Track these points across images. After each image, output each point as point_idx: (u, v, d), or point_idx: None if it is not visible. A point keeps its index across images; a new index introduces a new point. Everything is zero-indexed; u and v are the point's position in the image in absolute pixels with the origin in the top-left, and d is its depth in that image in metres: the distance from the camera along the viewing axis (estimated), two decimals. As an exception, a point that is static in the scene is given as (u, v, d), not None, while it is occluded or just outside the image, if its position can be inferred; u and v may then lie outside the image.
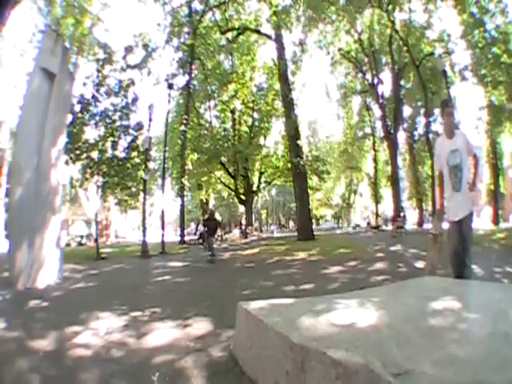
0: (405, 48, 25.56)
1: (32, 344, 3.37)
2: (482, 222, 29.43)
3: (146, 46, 23.69)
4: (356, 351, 1.84)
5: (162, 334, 3.66)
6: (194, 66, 26.04)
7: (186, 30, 25.49)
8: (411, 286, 3.71)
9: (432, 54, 25.37)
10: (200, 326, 3.86)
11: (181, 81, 25.94)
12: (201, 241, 20.02)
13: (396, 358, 1.69)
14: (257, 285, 6.55)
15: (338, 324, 2.34)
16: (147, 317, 4.40)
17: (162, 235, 18.22)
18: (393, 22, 25.55)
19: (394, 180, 29.61)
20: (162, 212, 20.67)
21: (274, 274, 8.09)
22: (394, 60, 29.06)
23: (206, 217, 12.90)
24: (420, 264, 8.37)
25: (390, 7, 24.81)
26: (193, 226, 25.05)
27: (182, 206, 25.79)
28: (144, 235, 16.32)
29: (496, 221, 29.10)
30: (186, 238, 24.82)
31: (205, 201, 36.39)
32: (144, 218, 18.18)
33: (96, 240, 16.37)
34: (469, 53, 22.33)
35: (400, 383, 1.49)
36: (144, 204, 18.07)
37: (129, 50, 19.71)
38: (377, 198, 37.79)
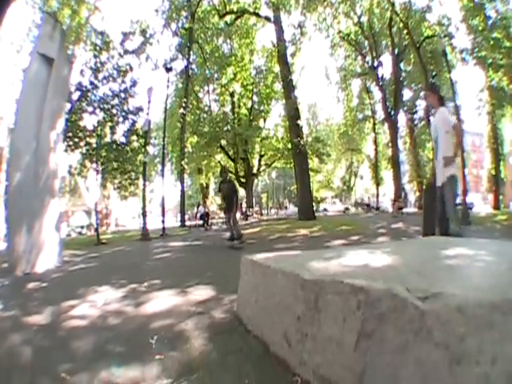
0: (405, 31, 25.51)
1: (27, 319, 3.32)
2: (483, 207, 29.55)
3: (143, 32, 23.74)
4: (376, 281, 1.79)
5: (161, 301, 3.63)
6: (192, 50, 26.12)
7: (184, 14, 25.47)
8: (419, 241, 4.09)
9: (433, 36, 25.26)
10: (202, 293, 3.84)
11: (179, 65, 26.13)
12: (201, 222, 20.08)
13: (420, 285, 1.67)
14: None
15: (351, 265, 2.35)
16: (146, 288, 4.36)
17: (163, 218, 18.37)
18: (393, 5, 25.45)
19: (395, 162, 29.66)
20: (163, 197, 20.66)
21: (276, 247, 8.13)
22: (394, 43, 28.96)
23: (220, 180, 10.13)
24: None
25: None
26: (195, 210, 25.14)
27: (182, 188, 25.92)
28: (144, 219, 16.49)
29: (497, 206, 29.24)
30: (187, 223, 24.87)
31: (205, 185, 36.59)
32: (144, 202, 18.17)
33: (96, 228, 16.48)
34: (469, 37, 22.24)
35: (429, 306, 1.49)
36: (144, 188, 18.09)
37: (126, 35, 19.59)
38: (377, 180, 37.75)
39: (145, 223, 16.14)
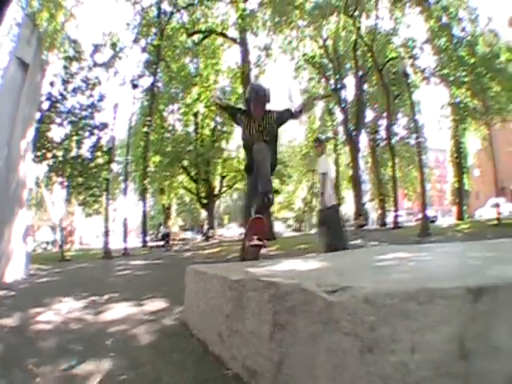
0: (369, 54, 26.15)
1: (-3, 322, 3.63)
2: (447, 219, 30.42)
3: (114, 45, 23.81)
4: (292, 279, 2.00)
5: (119, 311, 4.04)
6: (159, 68, 26.21)
7: (153, 30, 25.60)
8: (363, 250, 4.59)
9: (396, 58, 25.95)
10: (156, 304, 4.25)
11: (146, 82, 26.23)
12: (162, 243, 20.30)
13: (332, 281, 1.81)
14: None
15: (279, 269, 2.66)
16: (106, 300, 4.76)
17: (125, 237, 18.57)
18: (358, 29, 26.14)
19: (356, 182, 30.24)
20: (125, 216, 20.64)
21: None
22: (358, 65, 29.60)
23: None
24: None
25: (357, 13, 25.50)
26: (162, 229, 25.11)
27: (144, 208, 26.09)
28: (106, 237, 16.80)
29: (460, 217, 30.38)
30: (149, 244, 25.02)
31: (167, 206, 36.30)
32: (107, 221, 18.21)
33: (61, 245, 16.91)
34: (434, 57, 23.00)
35: (337, 298, 1.62)
36: (107, 206, 18.21)
37: (97, 47, 19.73)
38: (338, 200, 38.32)
39: (107, 242, 16.42)
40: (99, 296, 4.97)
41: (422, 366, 1.34)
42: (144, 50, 25.63)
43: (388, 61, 26.87)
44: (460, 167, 32.28)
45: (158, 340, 2.88)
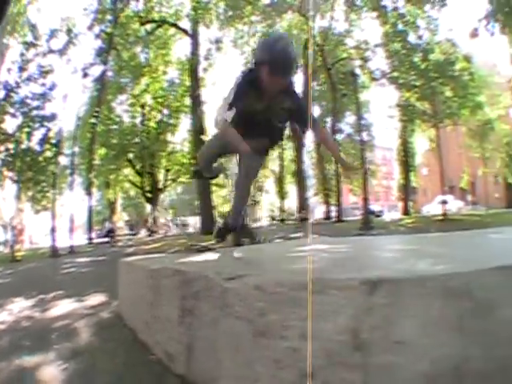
0: (319, 53, 26.50)
1: None
2: (393, 214, 31.58)
3: (69, 31, 22.92)
4: (200, 268, 2.30)
5: (63, 307, 4.29)
6: (110, 57, 25.68)
7: (108, 17, 24.96)
8: (294, 241, 4.78)
9: (346, 58, 26.68)
10: (96, 299, 4.58)
11: (97, 71, 25.58)
12: (107, 239, 20.15)
13: (232, 270, 1.97)
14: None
15: (199, 261, 2.86)
16: (52, 297, 5.02)
17: (71, 233, 18.83)
18: (311, 28, 26.51)
19: (299, 176, 30.78)
20: (71, 212, 20.76)
21: None
22: (308, 63, 30.00)
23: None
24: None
25: (311, 13, 25.84)
26: (107, 225, 24.78)
27: (90, 203, 25.49)
28: (53, 235, 16.79)
29: (406, 212, 31.94)
30: (95, 240, 24.81)
31: (112, 200, 36.09)
32: (54, 217, 18.18)
33: (12, 245, 16.81)
34: (386, 61, 23.51)
35: (231, 284, 1.77)
36: (54, 202, 18.15)
37: (54, 33, 19.26)
38: (282, 194, 39.58)
39: (54, 240, 16.40)
40: (46, 294, 5.22)
41: (316, 353, 1.42)
42: (98, 37, 24.92)
43: (338, 61, 27.37)
44: (406, 165, 33.67)
45: (95, 332, 3.17)
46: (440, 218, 18.76)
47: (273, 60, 2.69)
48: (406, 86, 20.33)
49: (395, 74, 21.91)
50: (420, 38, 19.69)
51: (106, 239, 22.18)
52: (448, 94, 19.21)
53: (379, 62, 46.88)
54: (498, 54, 27.66)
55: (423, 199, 50.28)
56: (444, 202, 19.62)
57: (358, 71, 26.25)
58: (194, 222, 32.71)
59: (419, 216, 27.94)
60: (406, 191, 34.03)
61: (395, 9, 20.34)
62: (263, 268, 2.17)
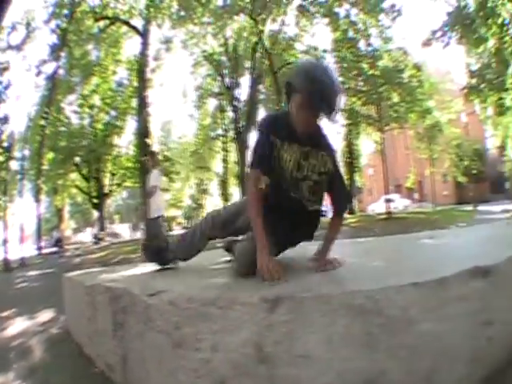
0: (267, 56, 26.62)
1: None
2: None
3: (28, 25, 22.61)
4: (128, 283, 2.41)
5: (18, 326, 4.41)
6: (63, 53, 24.69)
7: (65, 11, 23.70)
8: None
9: (292, 63, 26.66)
10: (46, 315, 4.70)
11: (50, 69, 24.51)
12: (56, 249, 19.63)
13: (154, 285, 2.16)
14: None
15: (130, 275, 3.01)
16: (7, 316, 5.10)
17: (21, 245, 18.33)
18: (261, 32, 26.49)
19: (242, 179, 30.25)
20: (21, 221, 20.17)
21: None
22: (255, 66, 30.06)
23: None
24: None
25: (262, 17, 25.98)
26: (54, 234, 23.88)
27: (38, 211, 24.42)
28: (5, 249, 16.30)
29: (351, 211, 31.96)
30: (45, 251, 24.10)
31: (60, 207, 34.80)
32: (6, 228, 17.59)
33: None
34: (334, 66, 23.91)
35: (152, 300, 1.93)
36: (5, 210, 17.60)
37: (14, 27, 18.74)
38: (226, 197, 39.41)
39: (6, 252, 15.98)
40: (1, 313, 5.30)
41: (224, 364, 1.60)
42: (53, 32, 23.81)
43: (285, 65, 27.41)
44: (351, 166, 34.45)
45: (47, 348, 3.33)
46: (384, 216, 19.41)
47: (314, 91, 1.97)
48: (353, 92, 20.68)
49: (341, 79, 22.35)
50: (370, 45, 19.94)
51: (55, 249, 21.50)
52: (395, 99, 19.71)
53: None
54: (453, 62, 28.97)
55: (369, 198, 52.39)
56: (389, 201, 20.38)
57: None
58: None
59: (364, 215, 28.68)
60: (351, 191, 34.76)
61: (347, 16, 20.57)
62: (184, 282, 2.30)
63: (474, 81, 17.69)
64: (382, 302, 1.56)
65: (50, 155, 27.16)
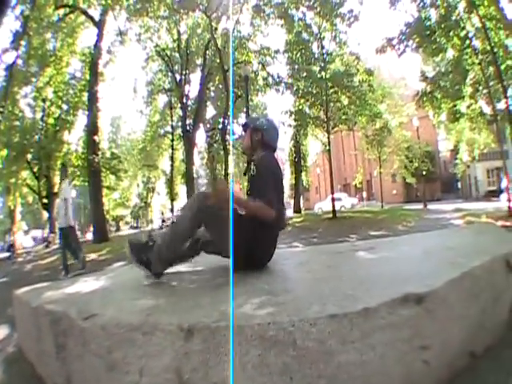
0: (218, 54, 26.69)
1: None
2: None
3: None
4: (67, 304, 2.39)
5: None
6: (23, 42, 23.50)
7: None
8: None
9: (243, 62, 26.81)
10: (2, 332, 4.35)
11: (11, 58, 23.27)
12: (8, 255, 19.02)
13: (92, 307, 2.19)
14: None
15: (72, 292, 2.96)
16: None
17: None
18: (215, 29, 26.74)
19: (189, 177, 30.84)
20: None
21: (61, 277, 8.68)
22: (206, 63, 30.27)
23: None
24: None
25: (216, 15, 26.08)
26: (8, 238, 22.79)
27: None
28: None
29: (297, 210, 33.48)
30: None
31: (12, 208, 33.90)
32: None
33: None
34: (285, 67, 24.14)
35: (87, 324, 1.97)
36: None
37: None
38: (172, 196, 39.31)
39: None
40: None
41: None
42: (17, 18, 22.51)
43: (237, 63, 27.52)
44: (299, 166, 35.33)
45: (4, 368, 3.15)
46: (329, 216, 19.81)
47: (275, 137, 3.35)
48: (301, 93, 20.92)
49: (290, 80, 22.57)
50: (322, 48, 20.03)
51: (8, 254, 20.70)
52: (345, 102, 20.03)
53: (278, 68, 48.26)
54: (408, 68, 29.78)
55: (316, 197, 53.20)
56: (334, 200, 20.68)
57: (254, 75, 27.18)
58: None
59: (310, 214, 29.07)
60: (297, 190, 35.84)
61: (302, 19, 20.60)
62: (116, 303, 2.33)
63: (428, 88, 18.21)
64: (296, 333, 1.62)
65: (4, 152, 26.40)
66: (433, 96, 18.13)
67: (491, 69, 15.70)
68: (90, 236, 31.12)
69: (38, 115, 29.96)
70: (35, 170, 29.63)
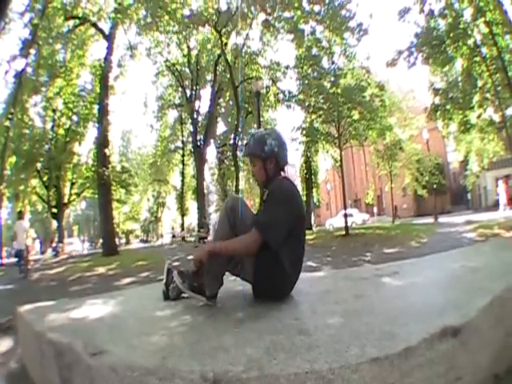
0: (228, 70, 26.84)
1: None
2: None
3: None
4: (73, 334, 2.23)
5: None
6: (32, 51, 24.11)
7: (38, 6, 23.21)
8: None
9: (252, 78, 26.87)
10: (5, 344, 4.19)
11: (20, 66, 23.88)
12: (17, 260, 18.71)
13: (98, 341, 2.05)
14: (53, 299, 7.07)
15: (73, 317, 2.82)
16: None
17: None
18: (225, 45, 26.79)
19: (200, 193, 31.21)
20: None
21: (71, 290, 8.91)
22: (217, 79, 30.51)
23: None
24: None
25: (226, 30, 26.13)
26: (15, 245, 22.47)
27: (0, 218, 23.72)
28: None
29: (308, 226, 32.70)
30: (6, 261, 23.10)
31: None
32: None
33: None
34: (296, 83, 24.20)
35: (94, 361, 1.80)
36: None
37: None
38: (183, 211, 40.05)
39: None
40: None
41: None
42: (26, 26, 23.21)
43: (247, 79, 27.88)
44: (310, 182, 35.12)
45: None
46: (342, 233, 19.60)
47: (284, 154, 3.01)
48: (312, 109, 20.84)
49: (301, 96, 22.54)
50: (333, 63, 20.00)
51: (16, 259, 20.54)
52: (356, 117, 19.80)
53: (288, 83, 48.69)
54: (416, 80, 29.69)
55: (326, 213, 52.96)
56: (346, 216, 20.51)
57: (265, 91, 27.23)
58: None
59: (321, 230, 28.80)
60: (309, 206, 35.30)
61: (312, 33, 20.69)
62: (125, 339, 2.15)
63: (438, 100, 18.13)
64: (336, 382, 1.47)
65: (13, 159, 26.58)
66: (444, 109, 18.02)
67: (499, 75, 15.66)
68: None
69: (48, 125, 30.48)
70: (45, 179, 30.01)
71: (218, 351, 1.75)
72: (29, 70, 24.69)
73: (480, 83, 16.85)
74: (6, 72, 20.65)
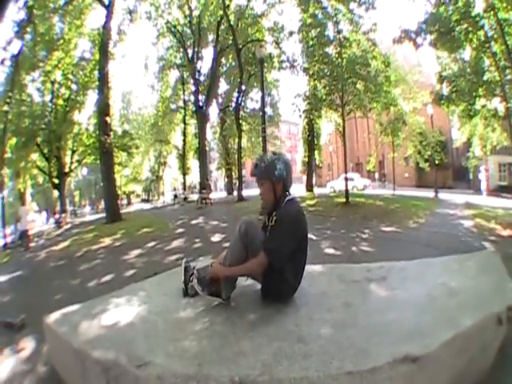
0: (231, 31, 27.07)
1: None
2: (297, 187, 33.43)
3: None
4: (115, 347, 2.44)
5: (7, 364, 3.83)
6: (29, 30, 23.75)
7: None
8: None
9: (255, 40, 27.36)
10: (29, 346, 4.22)
11: (16, 48, 23.59)
12: (20, 242, 18.76)
13: (139, 352, 2.29)
14: (65, 285, 7.41)
15: (105, 325, 2.98)
16: None
17: None
18: (227, 6, 26.93)
19: (201, 152, 31.65)
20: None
21: (80, 269, 9.04)
22: (219, 40, 30.48)
23: None
24: (215, 237, 10.79)
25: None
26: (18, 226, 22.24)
27: (2, 200, 23.57)
28: None
29: (309, 188, 33.96)
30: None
31: (22, 190, 33.64)
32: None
33: None
34: (300, 46, 23.96)
35: (141, 372, 2.06)
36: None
37: None
38: (184, 170, 40.47)
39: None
40: None
41: None
42: (20, 9, 22.37)
43: (249, 42, 28.14)
44: (312, 144, 35.40)
45: None
46: (343, 200, 19.94)
47: (288, 176, 3.43)
48: (316, 76, 21.01)
49: (304, 61, 23.11)
50: (339, 32, 19.81)
51: (19, 241, 20.68)
52: (360, 88, 19.85)
53: (292, 48, 48.03)
54: (424, 54, 29.47)
55: (328, 174, 53.38)
56: (347, 180, 20.92)
57: (270, 56, 27.17)
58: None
59: (322, 195, 29.26)
60: (310, 168, 36.23)
61: (318, 1, 20.32)
62: (163, 346, 2.45)
63: (444, 88, 18.23)
64: None
65: (13, 141, 26.73)
66: (450, 98, 18.20)
67: (508, 71, 15.88)
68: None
69: (47, 98, 30.43)
70: (45, 151, 30.16)
71: (239, 356, 2.21)
72: (25, 50, 24.63)
73: (486, 76, 16.93)
74: (3, 61, 20.77)
